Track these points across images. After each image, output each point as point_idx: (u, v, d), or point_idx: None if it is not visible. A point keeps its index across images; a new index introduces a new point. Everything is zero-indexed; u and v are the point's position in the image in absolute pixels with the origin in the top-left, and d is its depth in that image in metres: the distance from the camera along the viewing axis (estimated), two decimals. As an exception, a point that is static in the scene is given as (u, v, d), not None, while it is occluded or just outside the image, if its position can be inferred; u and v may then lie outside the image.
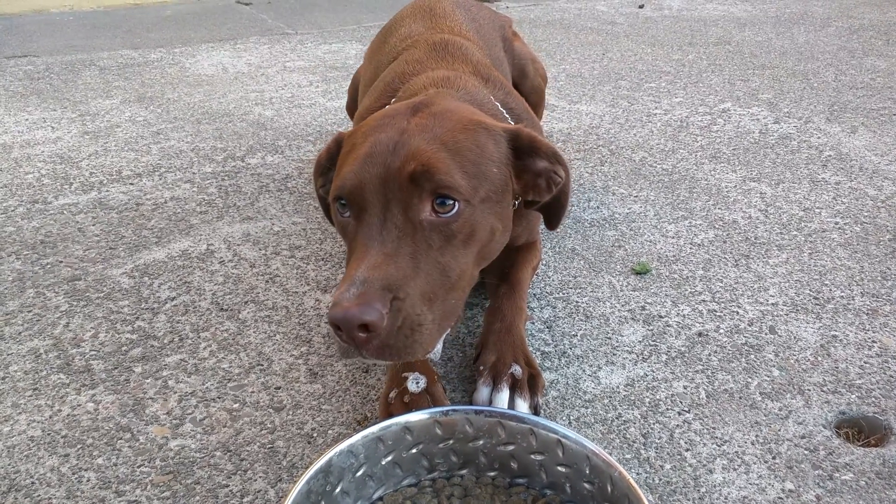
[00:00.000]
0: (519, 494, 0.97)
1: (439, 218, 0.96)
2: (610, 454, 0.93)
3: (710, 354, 1.29)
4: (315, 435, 1.13)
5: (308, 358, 1.31)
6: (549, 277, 1.56)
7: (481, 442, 0.99)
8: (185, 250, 1.70)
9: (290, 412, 1.18)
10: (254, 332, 1.39)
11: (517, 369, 1.14)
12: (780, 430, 1.11)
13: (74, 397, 1.22)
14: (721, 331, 1.36)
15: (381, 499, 0.97)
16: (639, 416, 1.15)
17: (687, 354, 1.29)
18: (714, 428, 1.12)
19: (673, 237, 1.71)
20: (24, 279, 1.59)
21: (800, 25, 4.06)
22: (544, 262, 1.61)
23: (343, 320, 0.85)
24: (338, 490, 0.92)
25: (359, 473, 0.95)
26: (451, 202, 0.96)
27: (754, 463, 1.05)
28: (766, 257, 1.61)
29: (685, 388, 1.21)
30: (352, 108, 2.17)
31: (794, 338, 1.33)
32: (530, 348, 1.28)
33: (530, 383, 1.14)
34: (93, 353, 1.34)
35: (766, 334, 1.34)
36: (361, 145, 1.01)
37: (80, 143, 2.42)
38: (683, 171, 2.09)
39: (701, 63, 3.30)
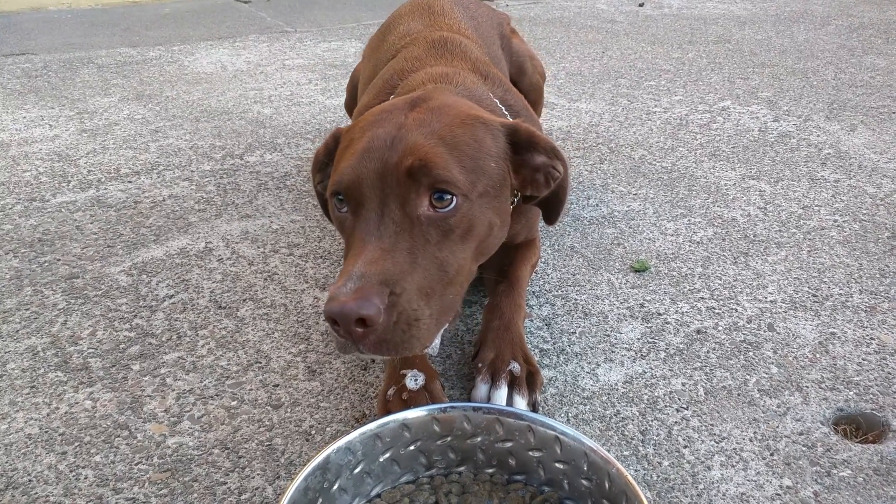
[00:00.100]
0: (517, 491, 0.97)
1: (437, 213, 0.96)
2: (608, 451, 0.93)
3: (708, 352, 1.29)
4: (313, 432, 1.12)
5: (306, 355, 1.31)
6: (548, 275, 1.55)
7: (479, 439, 0.99)
8: (183, 248, 1.70)
9: (289, 409, 1.18)
10: (252, 329, 1.39)
11: (516, 366, 1.14)
12: (778, 427, 1.11)
13: (72, 395, 1.22)
14: (720, 328, 1.35)
15: (379, 496, 0.97)
16: (637, 413, 1.15)
17: (685, 352, 1.29)
18: (712, 425, 1.12)
19: (672, 235, 1.70)
20: (22, 277, 1.59)
21: (799, 24, 4.06)
22: (543, 260, 1.61)
23: (340, 315, 0.85)
24: (335, 487, 0.92)
25: (357, 470, 0.95)
26: (449, 197, 0.96)
27: (752, 459, 1.05)
28: (764, 255, 1.61)
29: (683, 385, 1.21)
30: (351, 105, 2.16)
31: (793, 335, 1.33)
32: (529, 345, 1.28)
33: (529, 380, 1.14)
34: (91, 350, 1.34)
35: (764, 331, 1.34)
36: (359, 140, 1.01)
37: (78, 141, 2.42)
38: (683, 168, 2.08)
39: (701, 61, 3.30)
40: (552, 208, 1.19)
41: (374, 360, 1.29)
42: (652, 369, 1.25)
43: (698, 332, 1.35)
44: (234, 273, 1.59)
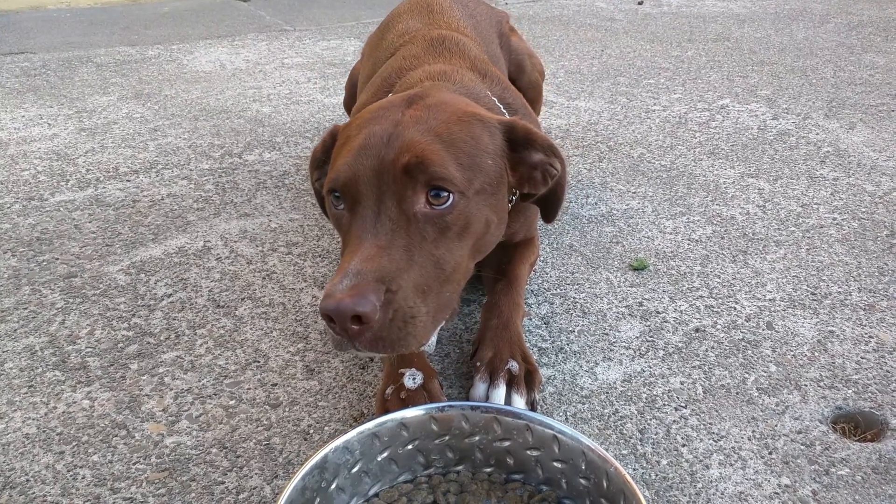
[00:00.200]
0: (515, 490, 0.97)
1: (434, 210, 0.96)
2: (606, 450, 0.93)
3: (707, 350, 1.29)
4: (311, 431, 1.12)
5: (305, 354, 1.31)
6: (547, 274, 1.55)
7: (477, 438, 0.99)
8: (181, 247, 1.70)
9: (287, 409, 1.17)
10: (250, 328, 1.39)
11: (514, 365, 1.14)
12: (776, 426, 1.11)
13: (70, 394, 1.22)
14: (718, 326, 1.35)
15: (376, 495, 0.97)
16: (635, 412, 1.14)
17: (684, 350, 1.29)
18: (711, 423, 1.12)
19: (671, 233, 1.70)
20: (20, 276, 1.58)
21: (799, 22, 4.05)
22: (542, 259, 1.61)
23: (335, 312, 0.85)
24: (333, 486, 0.92)
25: (354, 470, 0.95)
26: (446, 194, 0.96)
27: (751, 458, 1.05)
28: (763, 253, 1.60)
29: (682, 383, 1.21)
30: (350, 103, 2.16)
31: (792, 333, 1.33)
32: (527, 344, 1.28)
33: (527, 379, 1.14)
34: (88, 350, 1.34)
35: (763, 330, 1.34)
36: (356, 137, 1.01)
37: (76, 139, 2.42)
38: (682, 167, 2.08)
39: (700, 59, 3.29)
40: (550, 206, 1.19)
41: (372, 359, 1.29)
42: (650, 368, 1.25)
43: (697, 330, 1.35)
44: (232, 272, 1.59)
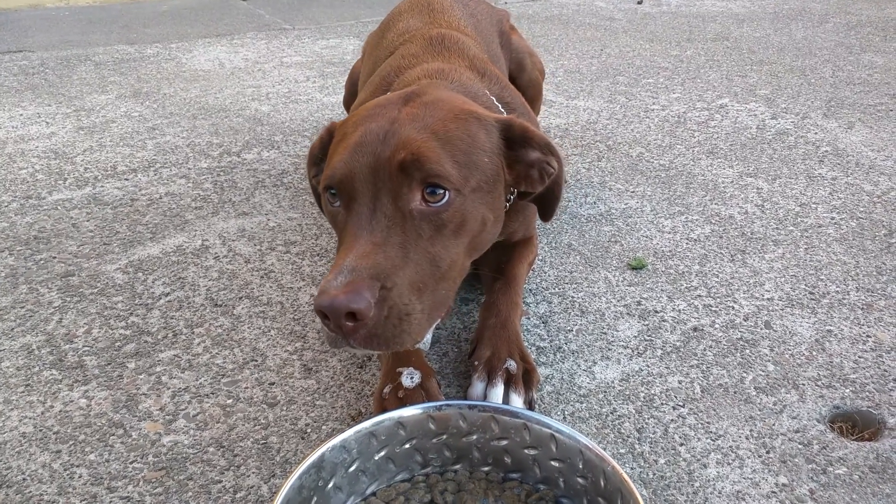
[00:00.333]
0: (512, 489, 0.97)
1: (429, 207, 0.96)
2: (604, 449, 0.93)
3: (705, 349, 1.29)
4: (309, 430, 1.12)
5: (302, 353, 1.31)
6: (545, 273, 1.55)
7: (475, 437, 0.99)
8: (179, 246, 1.70)
9: (284, 408, 1.17)
10: (248, 327, 1.39)
11: (512, 364, 1.13)
12: (774, 425, 1.11)
13: (67, 393, 1.22)
14: (716, 326, 1.35)
15: (374, 494, 0.97)
16: (633, 411, 1.14)
17: (682, 349, 1.29)
18: (708, 422, 1.12)
19: (669, 232, 1.70)
20: (17, 275, 1.58)
21: (798, 21, 4.05)
22: (540, 258, 1.61)
23: (330, 308, 0.84)
24: (330, 485, 0.92)
25: (351, 469, 0.94)
26: (442, 191, 0.96)
27: (748, 457, 1.04)
28: (762, 252, 1.60)
29: (680, 382, 1.21)
30: (349, 102, 2.16)
31: (789, 332, 1.33)
32: (525, 343, 1.28)
33: (525, 378, 1.13)
34: (86, 348, 1.33)
35: (761, 329, 1.34)
36: (352, 134, 1.01)
37: (74, 138, 2.41)
38: (680, 166, 2.08)
39: (699, 59, 3.29)
40: (547, 205, 1.19)
41: (369, 358, 1.29)
42: (648, 367, 1.25)
43: (695, 329, 1.34)
44: (230, 271, 1.59)
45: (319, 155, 1.16)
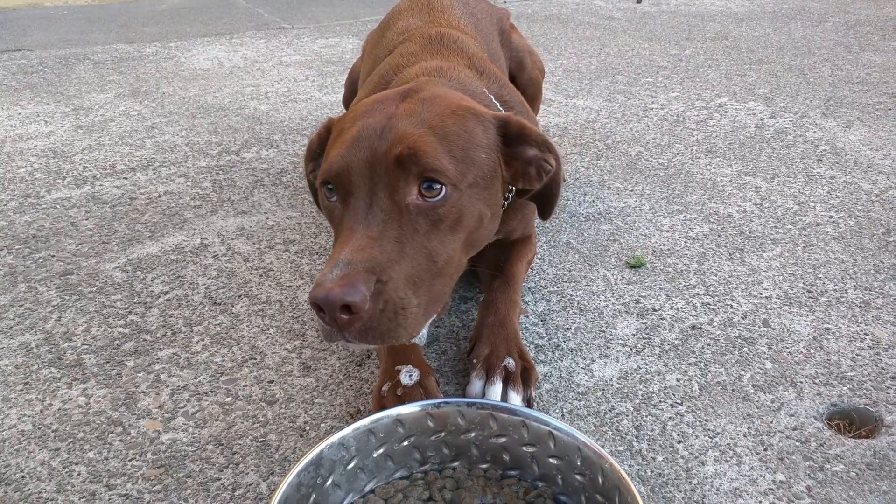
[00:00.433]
0: (511, 486, 0.97)
1: (426, 202, 0.96)
2: (602, 446, 0.93)
3: (703, 347, 1.29)
4: (308, 428, 1.12)
5: (301, 352, 1.31)
6: (544, 271, 1.55)
7: (473, 434, 0.99)
8: (178, 244, 1.70)
9: (283, 406, 1.17)
10: (247, 326, 1.39)
11: (510, 362, 1.14)
12: (771, 422, 1.11)
13: (66, 391, 1.22)
14: (714, 324, 1.35)
15: (372, 491, 0.97)
16: (631, 409, 1.15)
17: (680, 347, 1.29)
18: (706, 420, 1.12)
19: (668, 231, 1.70)
20: (16, 273, 1.58)
21: (797, 21, 4.05)
22: (539, 256, 1.61)
23: (325, 301, 0.84)
24: (329, 482, 0.92)
25: (350, 466, 0.95)
26: (438, 186, 0.96)
27: (746, 455, 1.05)
28: (760, 251, 1.61)
29: (678, 380, 1.21)
30: (349, 101, 2.16)
31: (787, 330, 1.33)
32: (524, 341, 1.28)
33: (523, 376, 1.14)
34: (85, 347, 1.33)
35: (759, 327, 1.34)
36: (349, 129, 1.01)
37: (73, 137, 2.41)
38: (679, 165, 2.08)
39: (698, 58, 3.30)
40: (546, 203, 1.19)
41: (368, 356, 1.29)
42: (647, 365, 1.25)
43: (693, 327, 1.35)
44: (229, 269, 1.59)
45: (317, 150, 1.16)
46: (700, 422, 1.11)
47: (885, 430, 1.09)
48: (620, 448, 1.07)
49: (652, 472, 1.02)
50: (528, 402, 1.12)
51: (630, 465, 1.03)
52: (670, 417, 1.12)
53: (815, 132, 2.31)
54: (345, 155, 0.98)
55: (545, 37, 3.80)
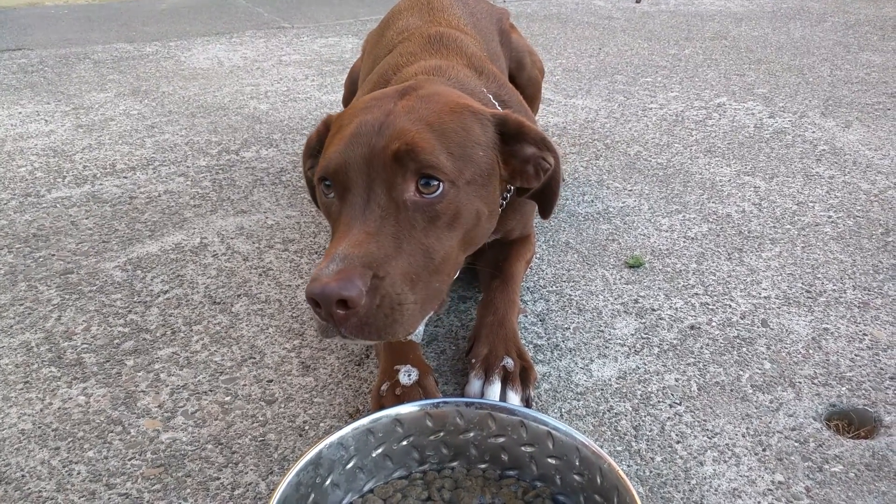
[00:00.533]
0: (509, 486, 0.97)
1: (423, 198, 0.96)
2: (601, 446, 0.93)
3: (702, 347, 1.29)
4: (307, 428, 1.13)
5: (300, 351, 1.31)
6: (543, 271, 1.56)
7: (472, 434, 0.99)
8: (178, 244, 1.70)
9: (282, 405, 1.18)
10: (246, 325, 1.39)
11: (509, 362, 1.14)
12: (770, 423, 1.11)
13: (66, 390, 1.22)
14: (713, 324, 1.36)
15: (371, 491, 0.97)
16: (630, 409, 1.15)
17: (679, 347, 1.29)
18: (705, 420, 1.12)
19: (667, 231, 1.71)
20: (16, 272, 1.58)
21: (796, 20, 4.06)
22: (538, 256, 1.61)
23: (321, 295, 0.84)
24: (328, 482, 0.92)
25: (349, 466, 0.95)
26: (436, 183, 0.96)
27: (745, 455, 1.05)
28: (759, 251, 1.61)
29: (677, 380, 1.21)
30: (349, 101, 2.16)
31: (786, 331, 1.33)
32: (523, 341, 1.28)
33: (522, 376, 1.14)
34: (84, 346, 1.34)
35: (758, 327, 1.34)
36: (348, 126, 1.01)
37: (73, 136, 2.41)
38: (678, 165, 2.09)
39: (697, 58, 3.30)
40: (546, 202, 1.19)
41: (367, 355, 1.29)
42: (645, 365, 1.25)
43: (692, 327, 1.35)
44: (228, 268, 1.59)
45: (316, 147, 1.16)
46: (699, 422, 1.12)
47: (883, 431, 1.09)
48: (619, 448, 1.07)
49: (650, 472, 1.02)
50: (527, 402, 1.12)
51: (629, 466, 1.04)
52: (669, 417, 1.13)
53: (814, 132, 2.31)
54: (342, 151, 0.98)
55: (544, 36, 3.80)
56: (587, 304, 1.43)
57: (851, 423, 1.12)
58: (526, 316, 1.40)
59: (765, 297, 1.43)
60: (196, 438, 1.11)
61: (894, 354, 1.26)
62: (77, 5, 4.99)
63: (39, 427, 1.14)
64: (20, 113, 2.66)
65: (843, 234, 1.67)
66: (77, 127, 2.50)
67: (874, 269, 1.52)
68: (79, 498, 1.00)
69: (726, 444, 1.07)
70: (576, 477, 0.93)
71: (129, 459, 1.07)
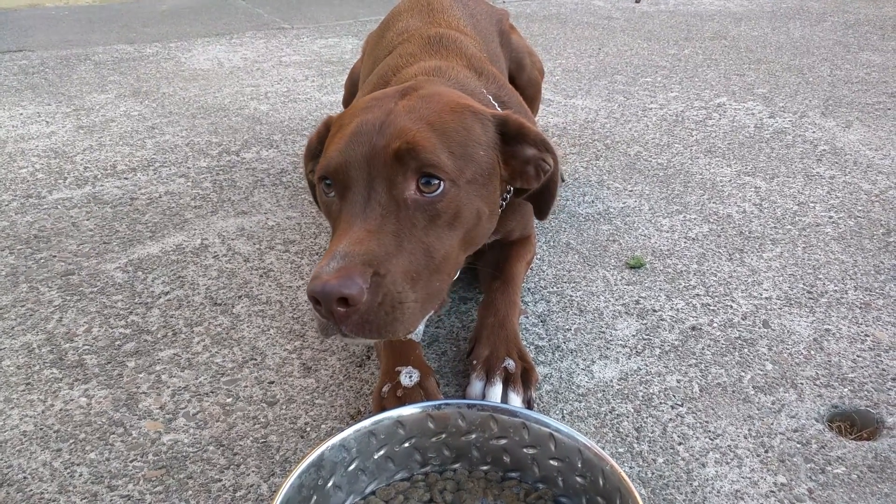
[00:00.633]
0: (511, 488, 0.97)
1: (424, 197, 0.96)
2: (603, 448, 0.93)
3: (703, 348, 1.29)
4: (308, 429, 1.13)
5: (302, 352, 1.31)
6: (544, 272, 1.56)
7: (474, 436, 0.99)
8: (179, 245, 1.70)
9: (284, 406, 1.18)
10: (247, 326, 1.39)
11: (510, 363, 1.14)
12: (772, 424, 1.11)
13: (67, 392, 1.22)
14: (714, 325, 1.36)
15: (373, 493, 0.97)
16: (632, 410, 1.15)
17: (680, 348, 1.29)
18: (707, 422, 1.12)
19: (667, 231, 1.71)
20: (18, 274, 1.58)
21: (796, 20, 4.06)
22: (538, 257, 1.61)
23: (322, 293, 0.84)
24: (330, 484, 0.92)
25: (351, 467, 0.95)
26: (437, 181, 0.96)
27: (747, 457, 1.05)
28: (760, 251, 1.61)
29: (678, 381, 1.21)
30: (349, 102, 2.16)
31: (788, 332, 1.33)
32: (524, 342, 1.28)
33: (524, 377, 1.14)
34: (86, 347, 1.34)
35: (759, 328, 1.34)
36: (348, 126, 1.01)
37: (74, 137, 2.41)
38: (678, 165, 2.08)
39: (697, 58, 3.30)
40: (543, 203, 1.19)
41: (368, 356, 1.29)
42: (647, 366, 1.25)
43: (693, 328, 1.35)
44: (229, 270, 1.59)
45: (317, 148, 1.16)
46: (701, 423, 1.12)
47: (886, 432, 1.09)
48: (621, 450, 1.07)
49: (653, 474, 1.02)
50: (529, 404, 1.12)
51: (631, 467, 1.04)
52: (671, 419, 1.13)
53: (814, 132, 2.31)
54: (343, 150, 0.98)
55: (544, 37, 3.80)
56: (588, 305, 1.43)
57: (854, 424, 1.12)
58: (527, 317, 1.40)
59: (766, 298, 1.43)
60: (197, 440, 1.11)
61: (896, 355, 1.26)
62: (77, 6, 4.99)
63: (41, 429, 1.14)
64: (21, 114, 2.67)
65: (845, 234, 1.67)
66: (78, 128, 2.50)
67: (875, 270, 1.52)
68: (81, 500, 1.00)
69: (728, 446, 1.07)
70: (578, 479, 0.93)
71: (131, 461, 1.07)
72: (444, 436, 0.99)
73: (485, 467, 1.00)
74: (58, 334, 1.38)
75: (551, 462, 0.95)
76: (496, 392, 1.10)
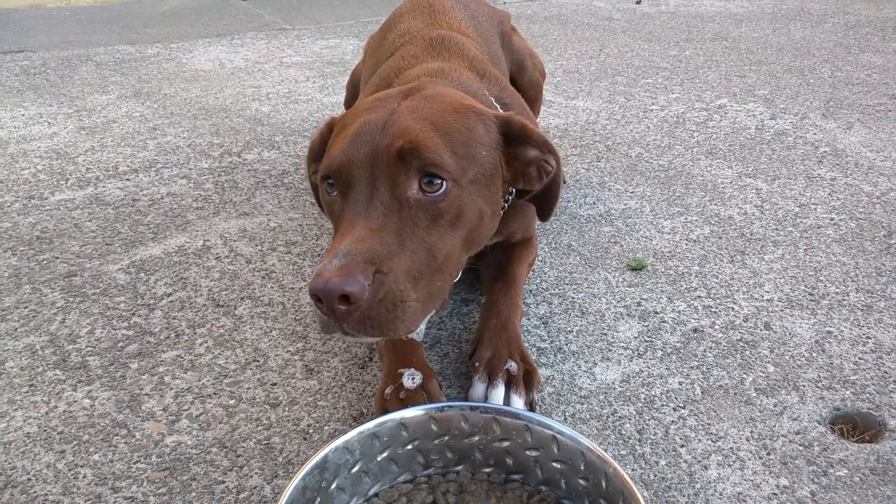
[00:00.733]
0: (514, 491, 0.97)
1: (426, 197, 0.96)
2: (605, 450, 0.93)
3: (705, 350, 1.29)
4: (311, 431, 1.13)
5: (304, 354, 1.31)
6: (545, 273, 1.56)
7: (477, 438, 0.99)
8: (181, 246, 1.70)
9: (286, 408, 1.18)
10: (250, 328, 1.39)
11: (513, 365, 1.14)
12: (774, 426, 1.11)
13: (70, 393, 1.22)
14: (716, 327, 1.36)
15: (376, 495, 0.98)
16: (634, 413, 1.15)
17: (682, 350, 1.30)
18: (709, 424, 1.12)
19: (669, 233, 1.71)
20: (20, 275, 1.59)
21: (796, 21, 4.06)
22: (540, 259, 1.61)
23: (324, 291, 0.85)
24: (333, 486, 0.93)
25: (354, 469, 0.95)
26: (439, 181, 0.96)
27: (749, 459, 1.05)
28: (761, 253, 1.61)
29: (680, 384, 1.21)
30: (350, 103, 2.16)
31: (789, 334, 1.33)
32: (526, 344, 1.28)
33: (526, 379, 1.14)
34: (89, 349, 1.34)
35: (761, 330, 1.35)
36: (351, 126, 1.01)
37: (76, 138, 2.42)
38: (679, 167, 2.09)
39: (698, 59, 3.30)
40: (545, 204, 1.20)
41: (371, 358, 1.30)
42: (649, 368, 1.25)
43: (695, 330, 1.35)
44: (231, 271, 1.59)
45: (319, 150, 1.16)
46: (703, 426, 1.12)
47: (888, 435, 1.09)
48: (623, 452, 1.07)
49: (655, 476, 1.03)
50: (531, 406, 1.12)
51: (633, 470, 1.04)
52: (673, 421, 1.13)
53: (815, 134, 2.31)
54: (346, 149, 0.98)
55: (545, 38, 3.80)
56: (590, 307, 1.43)
57: (856, 426, 1.12)
58: (529, 319, 1.40)
59: (767, 300, 1.44)
60: (201, 442, 1.11)
61: (897, 357, 1.26)
62: (79, 7, 5.00)
63: (45, 430, 1.14)
64: (23, 115, 2.67)
65: (846, 236, 1.67)
66: (80, 129, 2.51)
67: (877, 272, 1.52)
68: (84, 501, 1.00)
69: (730, 448, 1.07)
70: (581, 481, 0.93)
71: (135, 463, 1.07)
72: (447, 438, 0.99)
73: (488, 469, 1.00)
74: (61, 336, 1.38)
75: (554, 464, 0.95)
76: (499, 394, 1.11)
